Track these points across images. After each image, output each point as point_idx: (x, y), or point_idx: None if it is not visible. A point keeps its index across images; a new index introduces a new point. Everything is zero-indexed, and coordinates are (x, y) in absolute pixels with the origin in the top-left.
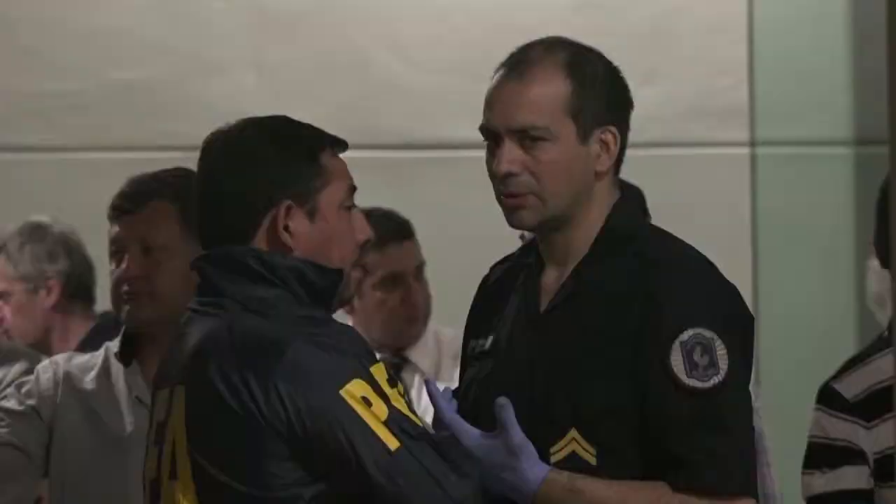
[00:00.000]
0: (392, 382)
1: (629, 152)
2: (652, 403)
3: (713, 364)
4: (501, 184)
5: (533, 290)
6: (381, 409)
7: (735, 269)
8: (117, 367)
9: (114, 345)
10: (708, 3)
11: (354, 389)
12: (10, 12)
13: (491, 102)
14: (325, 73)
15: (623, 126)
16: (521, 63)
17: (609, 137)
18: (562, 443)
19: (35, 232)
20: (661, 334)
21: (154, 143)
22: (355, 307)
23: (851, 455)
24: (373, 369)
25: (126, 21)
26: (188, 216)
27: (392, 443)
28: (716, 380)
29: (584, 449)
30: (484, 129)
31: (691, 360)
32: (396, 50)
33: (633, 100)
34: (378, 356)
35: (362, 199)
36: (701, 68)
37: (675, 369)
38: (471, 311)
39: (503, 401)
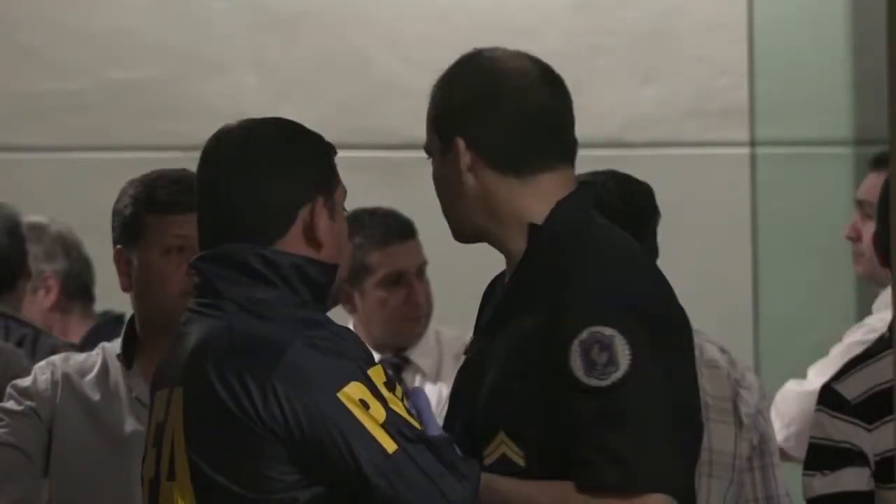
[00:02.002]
0: (390, 385)
1: (629, 152)
2: (558, 404)
3: (612, 361)
4: None
5: (498, 296)
6: (378, 412)
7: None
8: (116, 368)
9: (112, 346)
10: (708, 3)
11: (352, 392)
12: (10, 12)
13: None
14: (325, 73)
15: (481, 132)
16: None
17: (458, 146)
18: (492, 446)
19: (32, 232)
20: (562, 334)
21: (154, 143)
22: (357, 306)
23: (852, 456)
24: (370, 372)
25: (126, 21)
26: None
27: (390, 445)
28: (615, 377)
29: (512, 451)
30: None
31: (589, 358)
32: (396, 50)
33: (633, 100)
34: (379, 357)
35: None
36: (701, 68)
37: (574, 368)
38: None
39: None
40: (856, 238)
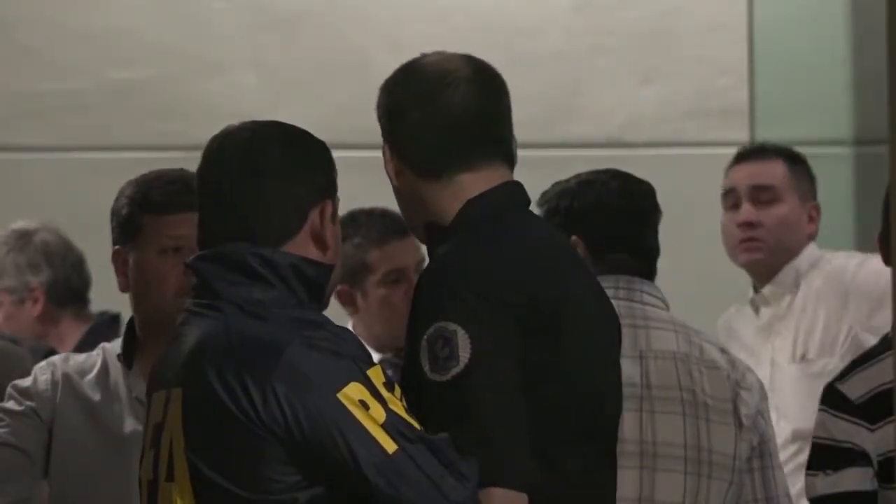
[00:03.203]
0: (389, 385)
1: (630, 152)
2: (418, 400)
3: (453, 356)
4: None
5: None
6: (378, 413)
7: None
8: (116, 368)
9: (113, 346)
10: (708, 3)
11: (352, 393)
12: (10, 12)
13: None
14: (325, 73)
15: (398, 137)
16: None
17: (387, 153)
18: None
19: (18, 241)
20: (415, 331)
21: (154, 143)
22: (359, 307)
23: (855, 456)
24: (370, 372)
25: (126, 21)
26: None
27: (389, 446)
28: (454, 371)
29: None
30: None
31: (433, 353)
32: (396, 50)
33: (633, 100)
34: (379, 357)
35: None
36: (701, 68)
37: (423, 364)
38: None
39: None
40: (754, 223)
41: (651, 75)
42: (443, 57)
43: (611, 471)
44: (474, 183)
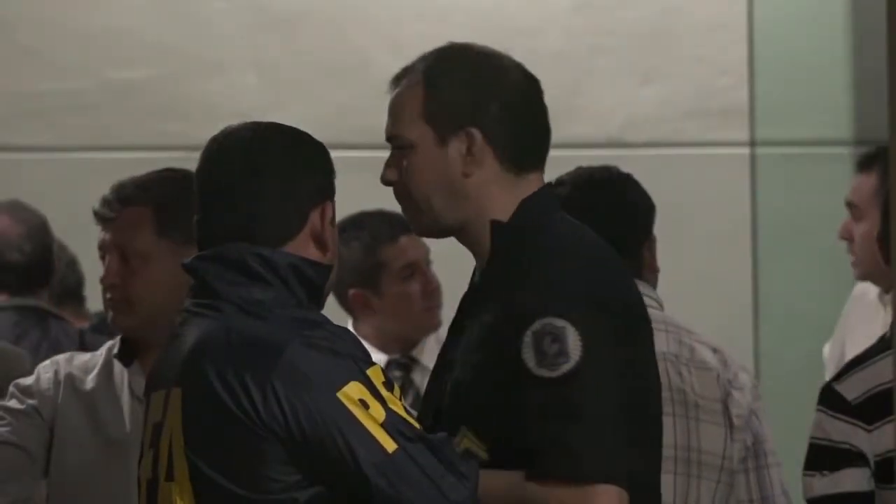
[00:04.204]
0: (389, 385)
1: (630, 152)
2: (513, 396)
3: (563, 353)
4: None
5: (467, 293)
6: (378, 412)
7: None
8: (119, 367)
9: (115, 344)
10: (708, 3)
11: (352, 392)
12: (10, 12)
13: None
14: (325, 73)
15: (495, 124)
16: (399, 73)
17: (469, 138)
18: (457, 439)
19: None
20: (516, 326)
21: (154, 143)
22: (374, 307)
23: (852, 457)
24: (369, 372)
25: (126, 21)
26: (166, 221)
27: (389, 445)
28: (565, 368)
29: (475, 445)
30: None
31: (541, 349)
32: (396, 50)
33: (633, 100)
34: (387, 357)
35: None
36: (701, 68)
37: (526, 360)
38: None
39: None
40: (849, 238)
41: (651, 75)
42: (491, 49)
43: (660, 474)
44: (533, 183)
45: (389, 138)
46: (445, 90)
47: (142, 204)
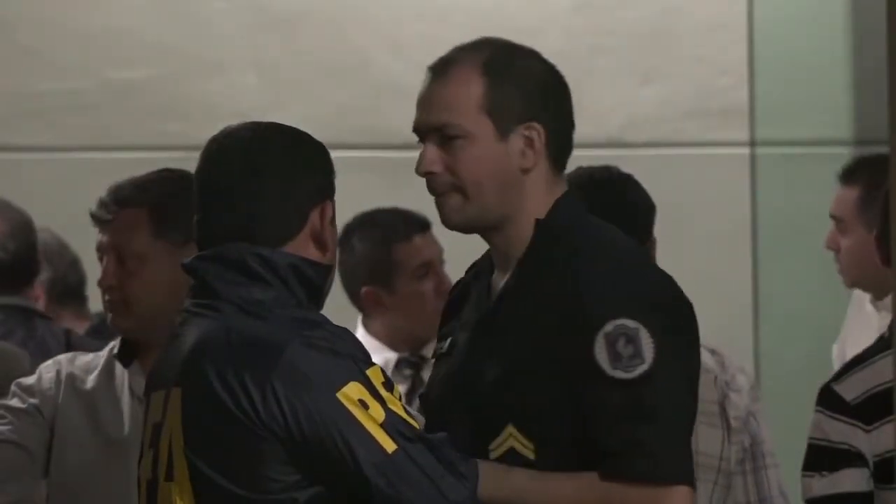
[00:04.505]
0: (388, 385)
1: (630, 152)
2: (581, 397)
3: (638, 354)
4: (427, 184)
5: (484, 291)
6: (377, 412)
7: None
8: (120, 368)
9: (117, 344)
10: (708, 3)
11: (351, 392)
12: (10, 12)
13: (417, 103)
14: (325, 73)
15: (553, 121)
16: (443, 63)
17: (533, 133)
18: (500, 438)
19: None
20: (586, 327)
21: (154, 143)
22: (387, 305)
23: (851, 457)
24: (369, 372)
25: (126, 21)
26: (162, 222)
27: (389, 445)
28: (641, 369)
29: (522, 444)
30: (414, 130)
31: (615, 351)
32: (396, 50)
33: (633, 100)
34: (397, 356)
35: (362, 199)
36: (701, 68)
37: (600, 361)
38: (441, 314)
39: None
40: (836, 249)
41: (651, 75)
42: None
43: None
44: (563, 183)
45: (435, 128)
46: (508, 84)
47: (138, 205)
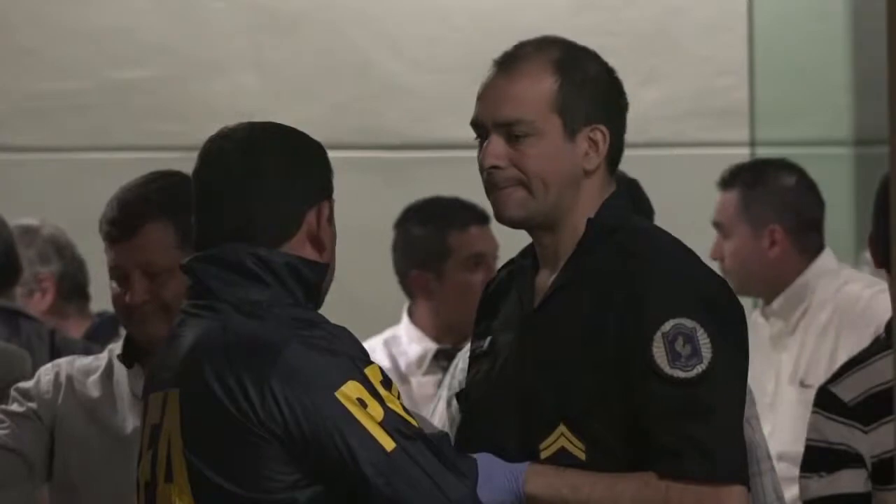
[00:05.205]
0: (387, 384)
1: (629, 152)
2: (637, 395)
3: (696, 353)
4: (488, 178)
5: (528, 289)
6: (376, 411)
7: None
8: (120, 369)
9: (117, 346)
10: (708, 3)
11: (350, 391)
12: (9, 12)
13: (481, 97)
14: (325, 73)
15: (615, 125)
16: (511, 59)
17: (598, 136)
18: (551, 438)
19: (24, 236)
20: (643, 326)
21: (154, 143)
22: (433, 291)
23: (849, 458)
24: (367, 371)
25: (126, 21)
26: (188, 231)
27: (388, 444)
28: (699, 369)
29: (572, 444)
30: (474, 124)
31: (673, 350)
32: (396, 50)
33: (633, 100)
34: (436, 346)
35: (362, 199)
36: (701, 68)
37: (658, 360)
38: (476, 312)
39: None
40: (720, 258)
41: (651, 75)
42: None
43: None
44: (613, 184)
45: (504, 123)
46: (580, 85)
47: (157, 219)
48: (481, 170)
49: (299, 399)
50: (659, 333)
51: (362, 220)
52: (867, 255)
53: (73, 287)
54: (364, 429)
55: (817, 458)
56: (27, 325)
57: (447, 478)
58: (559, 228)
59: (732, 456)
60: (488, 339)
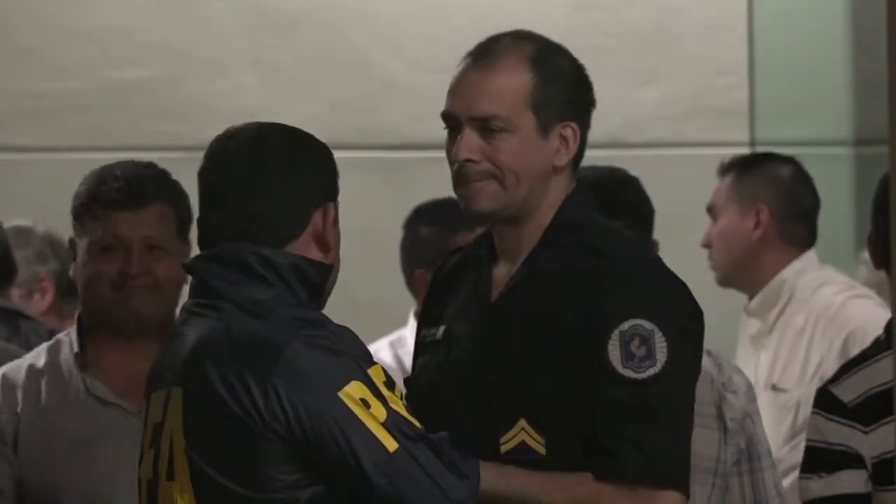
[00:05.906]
0: (389, 384)
1: (630, 152)
2: (590, 392)
3: (650, 356)
4: (460, 170)
5: (485, 281)
6: (379, 411)
7: None
8: (69, 369)
9: (65, 340)
10: (708, 3)
11: (353, 391)
12: (9, 12)
13: (454, 89)
14: (325, 73)
15: (583, 122)
16: (486, 53)
17: (569, 133)
18: (511, 432)
19: (19, 237)
20: (602, 324)
21: (154, 143)
22: None
23: (849, 459)
24: (370, 371)
25: (126, 21)
26: (188, 221)
27: (391, 444)
28: (651, 371)
29: (533, 438)
30: (445, 116)
31: (628, 350)
32: (396, 50)
33: (633, 100)
34: None
35: (362, 199)
36: (701, 68)
37: (612, 359)
38: (425, 299)
39: None
40: (710, 246)
41: (651, 75)
42: None
43: None
44: (573, 181)
45: (479, 118)
46: (555, 82)
47: (167, 200)
48: (452, 163)
49: (302, 399)
50: (617, 331)
51: (362, 220)
52: (866, 255)
53: (70, 285)
54: (367, 429)
55: (817, 459)
56: (26, 325)
57: (449, 478)
58: (524, 223)
59: (673, 461)
60: (441, 327)
